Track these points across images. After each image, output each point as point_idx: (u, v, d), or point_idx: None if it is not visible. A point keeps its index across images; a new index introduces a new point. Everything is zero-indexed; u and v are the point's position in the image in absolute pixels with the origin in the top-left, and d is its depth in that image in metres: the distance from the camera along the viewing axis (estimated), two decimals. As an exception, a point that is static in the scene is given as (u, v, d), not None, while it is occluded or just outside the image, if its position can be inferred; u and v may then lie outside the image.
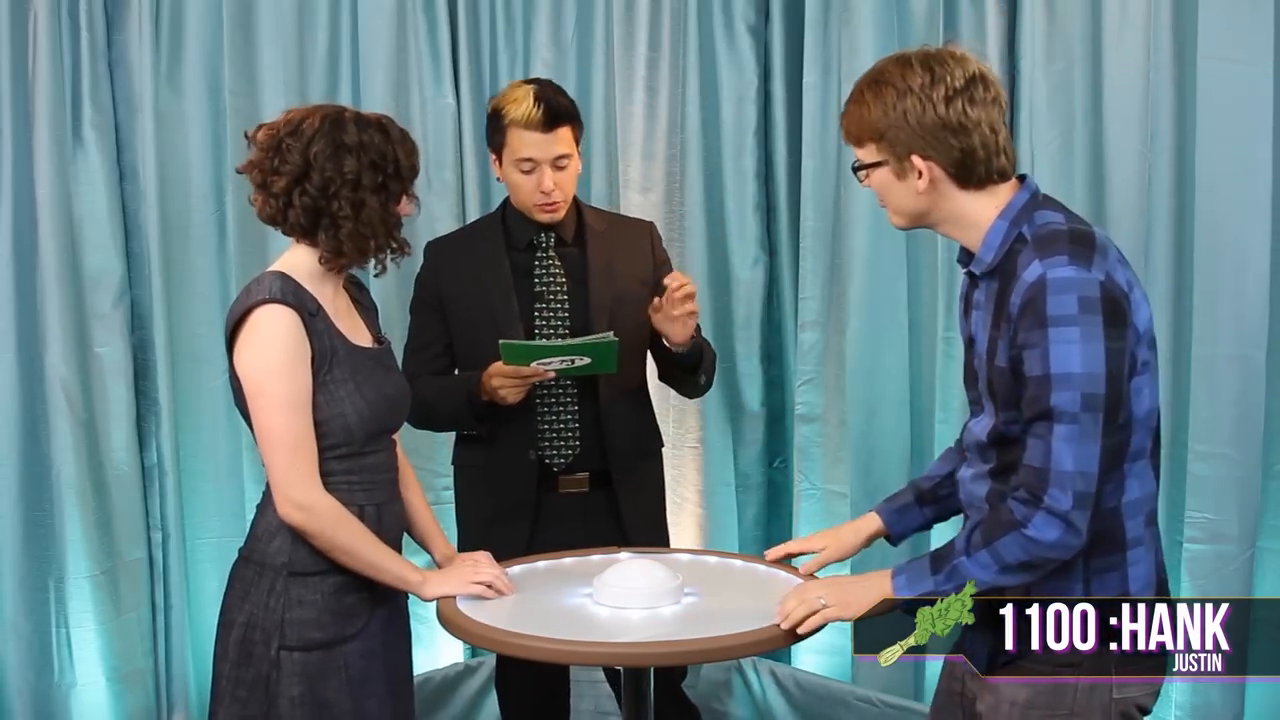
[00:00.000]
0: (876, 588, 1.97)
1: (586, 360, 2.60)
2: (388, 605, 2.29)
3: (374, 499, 2.25)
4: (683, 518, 3.65)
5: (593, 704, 3.48)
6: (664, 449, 3.02)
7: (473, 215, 3.54)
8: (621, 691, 2.27)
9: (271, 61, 3.36)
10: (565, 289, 2.82)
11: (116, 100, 3.29)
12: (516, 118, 2.70)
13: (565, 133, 2.73)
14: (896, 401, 3.38)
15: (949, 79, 1.90)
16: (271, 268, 2.22)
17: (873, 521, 2.26)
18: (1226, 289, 2.88)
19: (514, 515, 2.80)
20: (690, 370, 2.81)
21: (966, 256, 2.01)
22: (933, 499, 2.25)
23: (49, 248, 3.18)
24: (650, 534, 2.85)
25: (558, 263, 2.82)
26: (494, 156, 2.82)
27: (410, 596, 2.34)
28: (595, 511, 2.82)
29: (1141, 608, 1.94)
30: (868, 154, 1.97)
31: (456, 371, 2.86)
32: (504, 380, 2.66)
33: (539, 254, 2.83)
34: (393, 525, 2.31)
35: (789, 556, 2.32)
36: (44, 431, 3.21)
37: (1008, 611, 1.93)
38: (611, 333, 2.62)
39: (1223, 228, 2.87)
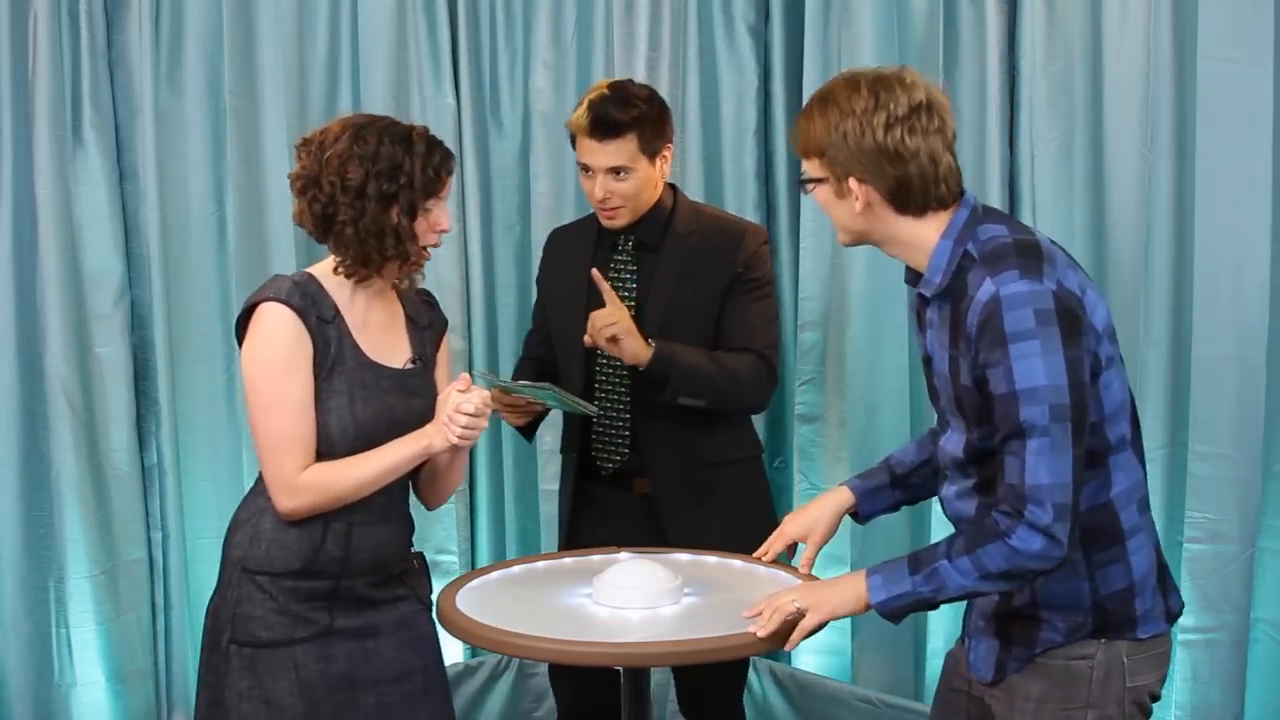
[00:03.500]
0: (851, 590, 1.96)
1: (565, 403, 2.54)
2: (361, 616, 2.24)
3: (346, 517, 2.21)
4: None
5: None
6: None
7: (472, 216, 3.53)
8: (622, 692, 2.26)
9: (271, 61, 3.35)
10: (634, 294, 2.79)
11: (116, 100, 3.30)
12: (573, 121, 2.71)
13: (621, 145, 2.67)
14: (896, 401, 3.38)
15: (891, 105, 1.90)
16: (309, 268, 2.25)
17: (844, 496, 2.25)
18: (1226, 289, 2.88)
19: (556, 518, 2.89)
20: (658, 388, 2.68)
21: (913, 276, 2.01)
22: (904, 485, 2.27)
23: (49, 248, 3.19)
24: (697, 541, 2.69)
25: (631, 266, 2.80)
26: None
27: (430, 612, 2.33)
28: (631, 509, 2.80)
29: (1149, 590, 1.97)
30: (812, 168, 2.00)
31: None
32: (498, 405, 2.66)
33: (615, 256, 2.81)
34: (369, 548, 2.23)
35: (783, 553, 2.31)
36: (44, 431, 3.21)
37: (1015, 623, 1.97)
38: (550, 384, 2.54)
39: (1223, 228, 2.87)
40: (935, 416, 2.10)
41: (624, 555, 2.40)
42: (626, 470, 2.80)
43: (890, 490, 2.27)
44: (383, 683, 2.27)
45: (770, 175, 3.63)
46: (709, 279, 2.77)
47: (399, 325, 2.30)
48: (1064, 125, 3.13)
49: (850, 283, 3.40)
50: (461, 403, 2.14)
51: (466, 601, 2.20)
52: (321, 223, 2.19)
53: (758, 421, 3.69)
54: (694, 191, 3.59)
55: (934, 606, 1.95)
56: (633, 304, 2.78)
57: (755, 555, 2.32)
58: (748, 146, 3.59)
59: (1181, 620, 2.93)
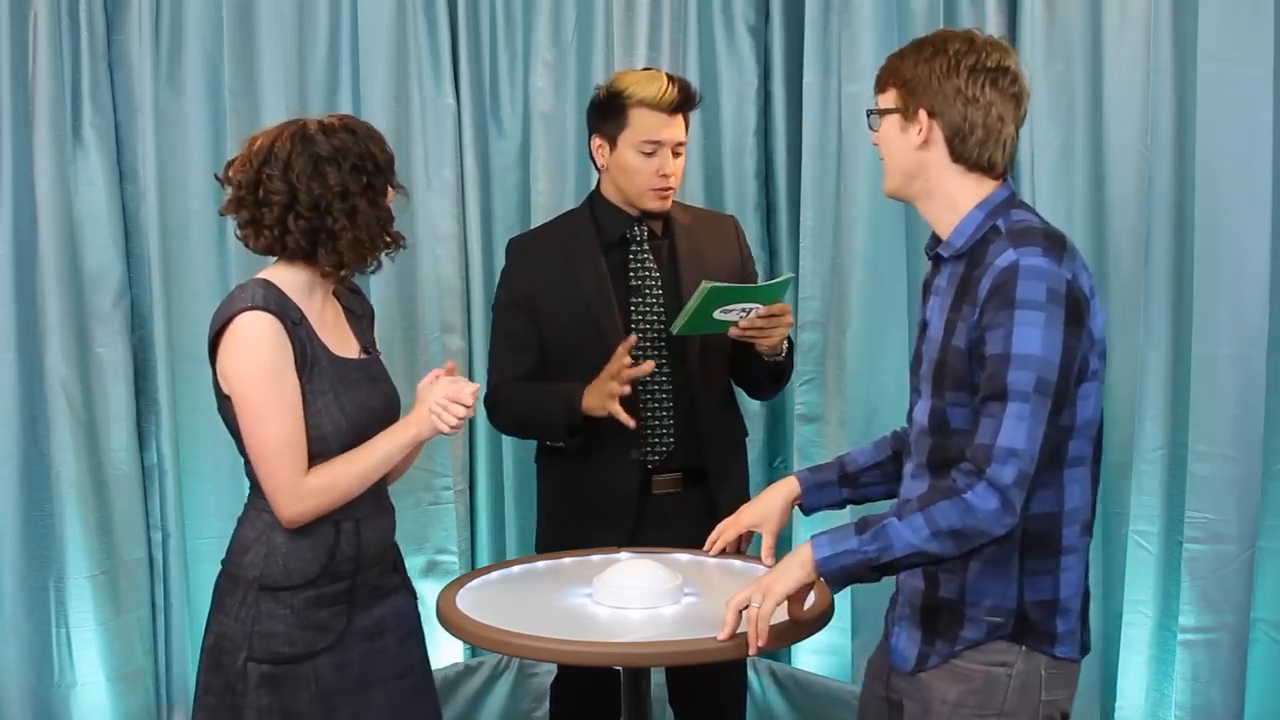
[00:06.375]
0: (796, 559, 1.97)
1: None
2: (371, 614, 2.27)
3: (352, 513, 2.22)
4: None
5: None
6: None
7: (472, 215, 3.54)
8: (622, 692, 2.26)
9: (271, 61, 3.35)
10: (660, 282, 2.80)
11: (116, 100, 3.30)
12: (646, 97, 2.68)
13: (683, 121, 2.75)
14: (896, 401, 3.37)
15: (983, 55, 1.99)
16: (258, 275, 2.22)
17: (792, 486, 2.32)
18: (1226, 289, 2.88)
19: (616, 518, 2.74)
20: (777, 378, 2.84)
21: (934, 243, 2.08)
22: (853, 483, 2.32)
23: (49, 248, 3.19)
24: None
25: (652, 256, 2.81)
26: (600, 142, 2.77)
27: (417, 600, 2.38)
28: (688, 510, 2.79)
29: (1073, 614, 2.01)
30: (887, 99, 2.06)
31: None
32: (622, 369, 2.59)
33: (633, 248, 2.80)
34: (375, 540, 2.27)
35: (737, 542, 2.36)
36: (44, 431, 3.21)
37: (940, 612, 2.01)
38: (789, 272, 2.65)
39: (1223, 228, 2.87)
40: None
41: (624, 555, 2.40)
42: (668, 464, 2.79)
43: (836, 487, 2.32)
44: (390, 680, 2.29)
45: (770, 175, 3.63)
46: (723, 262, 2.84)
47: (343, 319, 2.32)
48: (1064, 125, 3.13)
49: (850, 283, 3.41)
50: (459, 393, 2.17)
51: (466, 601, 2.20)
52: (309, 237, 2.14)
53: (758, 421, 3.71)
54: (694, 191, 3.59)
55: (878, 573, 1.94)
56: (661, 292, 2.79)
57: (708, 550, 2.36)
58: (748, 147, 3.60)
59: (1181, 620, 2.94)
